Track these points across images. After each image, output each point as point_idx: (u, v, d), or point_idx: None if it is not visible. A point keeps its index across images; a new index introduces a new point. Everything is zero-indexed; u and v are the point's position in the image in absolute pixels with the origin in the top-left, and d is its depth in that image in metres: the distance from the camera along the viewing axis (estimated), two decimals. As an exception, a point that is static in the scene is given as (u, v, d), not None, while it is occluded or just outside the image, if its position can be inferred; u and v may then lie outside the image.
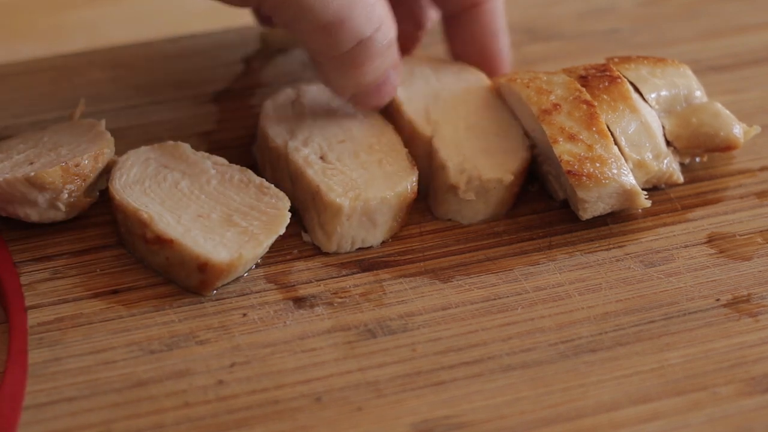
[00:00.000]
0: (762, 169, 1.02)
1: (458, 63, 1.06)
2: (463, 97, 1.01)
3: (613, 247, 0.95)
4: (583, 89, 0.96)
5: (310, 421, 0.83)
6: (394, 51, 0.95)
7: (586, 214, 0.94)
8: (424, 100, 1.01)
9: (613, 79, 0.97)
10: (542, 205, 0.99)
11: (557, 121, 0.94)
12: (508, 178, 0.96)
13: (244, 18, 1.16)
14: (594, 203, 0.93)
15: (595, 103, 0.95)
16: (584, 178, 0.92)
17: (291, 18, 0.91)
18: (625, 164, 0.93)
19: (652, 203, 0.96)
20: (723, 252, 0.95)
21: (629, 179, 0.93)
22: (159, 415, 0.83)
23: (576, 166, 0.92)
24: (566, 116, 0.94)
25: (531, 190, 1.00)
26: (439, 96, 1.01)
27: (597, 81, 0.97)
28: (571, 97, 0.95)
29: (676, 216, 0.97)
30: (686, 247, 0.95)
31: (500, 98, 1.01)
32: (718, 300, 0.91)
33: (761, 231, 0.96)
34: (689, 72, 1.01)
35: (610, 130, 0.94)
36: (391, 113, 1.01)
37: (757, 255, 0.94)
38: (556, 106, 0.94)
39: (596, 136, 0.93)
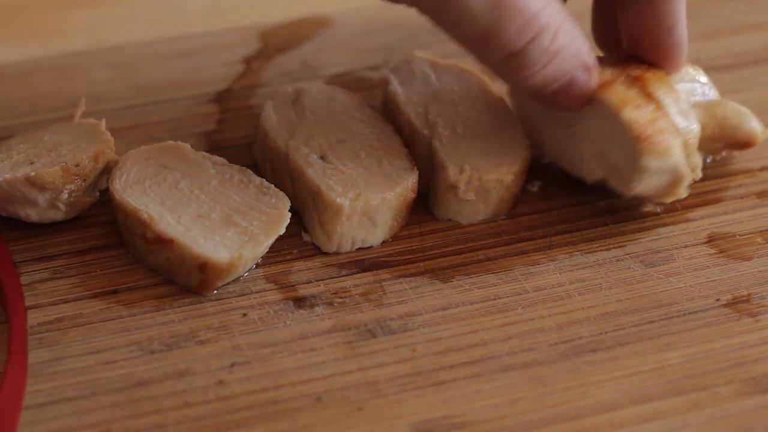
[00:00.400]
0: (762, 169, 1.02)
1: (458, 63, 1.06)
2: (462, 96, 1.01)
3: (613, 247, 0.95)
4: (632, 69, 0.94)
5: (310, 421, 0.83)
6: (568, 55, 0.90)
7: (635, 190, 0.93)
8: (424, 100, 1.01)
9: (648, 67, 0.96)
10: (542, 205, 0.99)
11: (618, 92, 0.92)
12: (509, 178, 0.96)
13: (244, 18, 1.16)
14: (649, 177, 0.92)
15: (647, 78, 0.94)
16: (653, 144, 0.91)
17: (444, 25, 0.89)
18: (680, 139, 0.92)
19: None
20: (723, 252, 0.95)
21: (682, 159, 0.92)
22: (159, 415, 0.83)
23: (647, 131, 0.91)
24: (624, 88, 0.92)
25: (531, 190, 1.00)
26: (438, 96, 1.01)
27: (633, 68, 0.95)
28: (622, 77, 0.93)
29: (676, 216, 0.97)
30: (686, 247, 0.95)
31: (502, 96, 1.01)
32: (718, 300, 0.91)
33: (761, 231, 0.96)
34: (703, 74, 1.00)
35: (660, 103, 0.93)
36: (391, 113, 1.01)
37: (757, 255, 0.94)
38: (610, 82, 0.93)
39: (655, 110, 0.92)
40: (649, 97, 0.93)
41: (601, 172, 0.96)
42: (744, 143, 0.99)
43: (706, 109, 0.98)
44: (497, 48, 0.89)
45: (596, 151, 0.95)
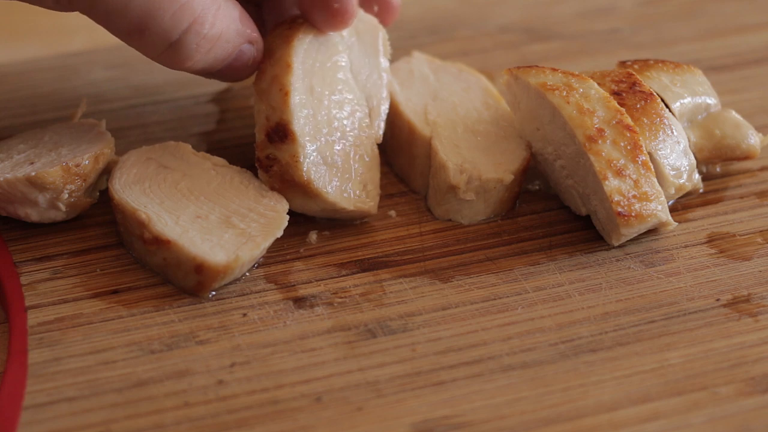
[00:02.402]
0: (762, 169, 1.02)
1: (457, 64, 1.06)
2: (462, 97, 1.01)
3: (613, 247, 0.95)
4: (624, 111, 0.94)
5: (310, 421, 0.83)
6: (231, 37, 0.91)
7: (619, 242, 0.94)
8: (423, 101, 1.01)
9: (646, 97, 0.95)
10: (542, 205, 0.99)
11: (604, 152, 0.92)
12: (508, 177, 0.96)
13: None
14: (630, 237, 0.93)
15: (637, 129, 0.93)
16: (632, 218, 0.91)
17: (99, 19, 0.88)
18: (663, 197, 0.93)
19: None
20: (723, 252, 0.95)
21: (666, 213, 0.93)
22: (159, 415, 0.83)
23: (626, 207, 0.91)
24: (612, 146, 0.92)
25: (531, 190, 1.00)
26: (438, 96, 1.01)
27: (632, 99, 0.95)
28: (614, 121, 0.93)
29: (676, 216, 0.97)
30: (686, 247, 0.95)
31: (501, 92, 1.01)
32: (718, 300, 0.91)
33: (761, 231, 0.96)
34: (703, 77, 1.00)
35: (652, 156, 0.94)
36: (390, 113, 1.01)
37: (757, 255, 0.94)
38: (600, 131, 0.92)
39: (642, 169, 0.92)
40: (636, 152, 0.92)
41: (585, 210, 0.96)
42: (743, 158, 0.99)
43: (703, 129, 0.98)
44: (154, 39, 0.88)
45: (580, 192, 0.95)
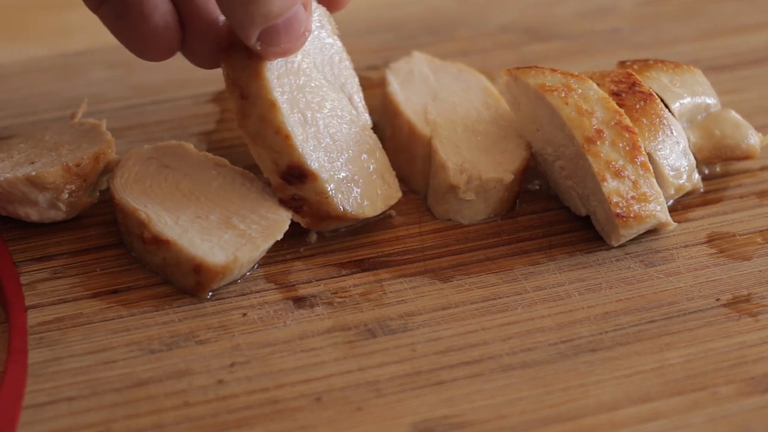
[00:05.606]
0: (762, 169, 1.02)
1: (457, 64, 1.06)
2: (462, 97, 1.01)
3: (613, 247, 0.95)
4: (623, 112, 0.93)
5: (310, 421, 0.83)
6: None
7: (619, 243, 0.94)
8: (423, 101, 1.01)
9: (645, 97, 0.95)
10: (542, 205, 0.99)
11: (603, 153, 0.92)
12: (508, 177, 0.96)
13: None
14: (629, 237, 0.93)
15: (636, 130, 0.93)
16: (631, 219, 0.91)
17: None
18: (662, 197, 0.93)
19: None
20: (723, 252, 0.95)
21: (665, 214, 0.93)
22: (159, 414, 0.83)
23: (624, 208, 0.91)
24: (610, 147, 0.92)
25: (531, 190, 1.00)
26: (438, 96, 1.01)
27: (632, 100, 0.95)
28: (612, 122, 0.93)
29: (676, 216, 0.97)
30: (686, 246, 0.95)
31: (501, 92, 1.01)
32: (718, 300, 0.91)
33: (761, 231, 0.96)
34: (703, 77, 1.00)
35: (651, 156, 0.94)
36: (390, 113, 1.01)
37: (757, 255, 0.94)
38: (599, 132, 0.92)
39: (640, 170, 0.92)
40: (635, 153, 0.92)
41: (585, 211, 0.96)
42: (742, 158, 0.99)
43: (703, 129, 0.98)
44: None
45: (580, 193, 0.95)
